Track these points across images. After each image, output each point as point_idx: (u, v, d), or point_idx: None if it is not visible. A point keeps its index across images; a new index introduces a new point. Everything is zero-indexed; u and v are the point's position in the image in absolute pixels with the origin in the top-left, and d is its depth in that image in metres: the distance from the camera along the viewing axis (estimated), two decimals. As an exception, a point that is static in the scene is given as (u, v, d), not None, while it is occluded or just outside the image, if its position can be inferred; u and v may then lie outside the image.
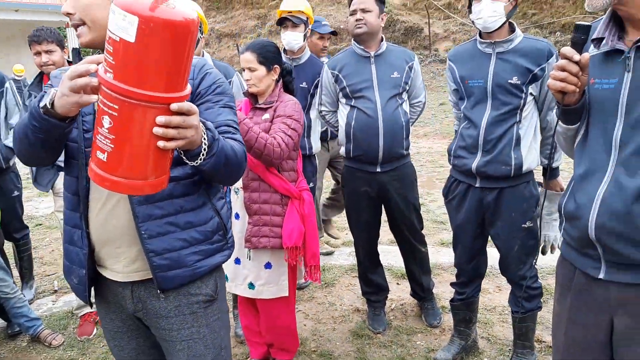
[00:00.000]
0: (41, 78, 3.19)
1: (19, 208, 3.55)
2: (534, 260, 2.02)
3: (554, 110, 2.07)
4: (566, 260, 1.46)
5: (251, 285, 2.37)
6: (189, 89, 1.08)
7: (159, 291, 1.38)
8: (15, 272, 3.60)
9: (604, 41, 1.29)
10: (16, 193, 3.47)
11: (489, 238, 2.46)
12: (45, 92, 1.21)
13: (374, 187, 2.79)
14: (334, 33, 3.71)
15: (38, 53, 3.01)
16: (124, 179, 1.04)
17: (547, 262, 3.29)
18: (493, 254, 2.55)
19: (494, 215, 2.33)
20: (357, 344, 2.85)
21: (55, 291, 3.68)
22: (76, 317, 3.19)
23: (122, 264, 1.39)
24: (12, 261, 3.58)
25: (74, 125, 1.28)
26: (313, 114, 3.21)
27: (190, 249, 1.38)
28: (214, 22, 18.85)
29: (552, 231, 2.35)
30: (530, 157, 2.25)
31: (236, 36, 18.34)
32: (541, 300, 2.45)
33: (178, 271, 1.37)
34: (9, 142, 3.32)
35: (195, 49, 1.47)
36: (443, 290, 3.33)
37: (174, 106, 1.02)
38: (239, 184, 2.34)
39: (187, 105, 1.04)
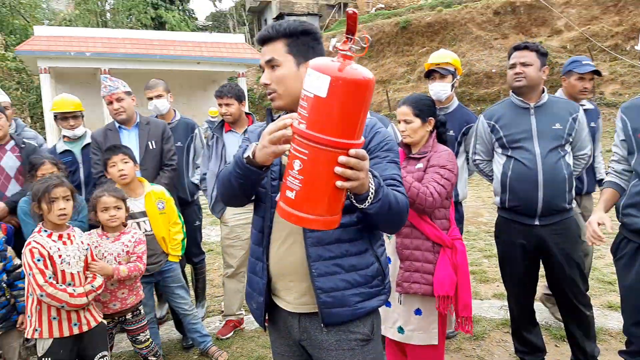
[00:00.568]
0: (223, 124, 3.75)
1: (199, 236, 4.14)
2: None
3: None
4: None
5: (401, 330, 2.42)
6: (362, 139, 1.25)
7: (322, 325, 1.54)
8: (191, 292, 4.14)
9: None
10: (197, 223, 4.07)
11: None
12: (247, 145, 1.49)
13: (532, 240, 2.68)
14: (597, 73, 3.26)
15: (220, 105, 3.60)
16: (307, 215, 1.22)
17: None
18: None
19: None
20: (508, 406, 2.69)
21: (222, 312, 4.14)
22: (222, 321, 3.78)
23: (293, 296, 1.59)
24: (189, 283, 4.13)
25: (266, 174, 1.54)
26: (460, 161, 3.23)
27: (352, 290, 1.53)
28: (365, 71, 19.75)
29: None
30: None
31: (386, 83, 18.94)
32: None
33: (340, 309, 1.52)
34: (195, 179, 3.94)
35: None
36: (610, 358, 2.99)
37: (352, 151, 1.19)
38: (392, 229, 2.45)
39: (362, 151, 1.21)
